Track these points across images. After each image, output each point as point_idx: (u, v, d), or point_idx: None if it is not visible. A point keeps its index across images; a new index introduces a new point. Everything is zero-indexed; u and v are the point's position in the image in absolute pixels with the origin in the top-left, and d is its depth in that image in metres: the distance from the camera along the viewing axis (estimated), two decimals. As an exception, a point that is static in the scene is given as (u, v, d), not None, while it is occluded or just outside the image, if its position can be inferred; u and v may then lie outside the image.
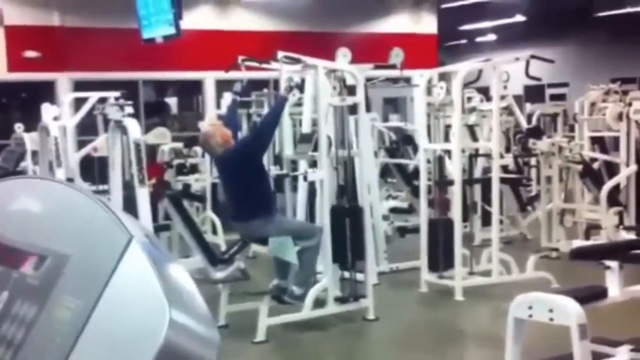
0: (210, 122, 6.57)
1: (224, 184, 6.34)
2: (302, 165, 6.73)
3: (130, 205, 6.38)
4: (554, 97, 19.40)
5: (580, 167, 8.49)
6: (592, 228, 7.82)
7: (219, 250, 7.43)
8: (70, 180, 8.26)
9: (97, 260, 1.38)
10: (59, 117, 9.14)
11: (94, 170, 8.65)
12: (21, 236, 1.45)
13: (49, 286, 1.38)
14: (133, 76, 12.65)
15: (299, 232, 5.97)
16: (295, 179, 6.59)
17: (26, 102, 12.39)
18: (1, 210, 1.50)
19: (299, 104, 7.71)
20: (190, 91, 14.09)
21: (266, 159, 8.88)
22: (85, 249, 1.40)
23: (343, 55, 7.51)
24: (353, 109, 6.56)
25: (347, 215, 6.19)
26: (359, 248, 6.17)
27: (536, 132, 8.78)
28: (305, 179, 6.33)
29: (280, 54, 6.57)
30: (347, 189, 6.45)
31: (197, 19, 12.80)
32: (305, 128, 6.92)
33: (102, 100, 8.39)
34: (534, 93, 18.30)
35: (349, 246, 6.14)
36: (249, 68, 7.72)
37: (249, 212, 5.86)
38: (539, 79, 7.50)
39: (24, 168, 8.60)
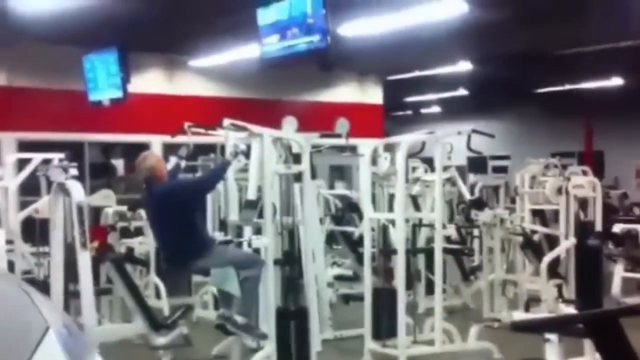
0: None
1: (158, 223, 6.22)
2: (247, 231, 6.73)
3: (71, 268, 6.28)
4: (496, 169, 19.80)
5: (521, 238, 8.65)
6: (533, 300, 7.93)
7: (161, 315, 7.34)
8: (10, 242, 8.11)
9: (14, 349, 1.33)
10: (1, 177, 9.03)
11: (35, 231, 8.51)
12: None
13: None
14: (79, 137, 12.58)
15: (240, 262, 5.97)
16: (240, 245, 6.57)
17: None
18: None
19: (244, 169, 7.75)
20: (137, 153, 14.01)
21: (211, 224, 8.87)
22: (3, 337, 1.34)
23: (289, 123, 7.59)
24: (298, 177, 6.62)
25: (293, 318, 6.20)
26: (304, 351, 6.17)
27: (478, 204, 8.93)
28: (249, 245, 6.33)
29: (226, 122, 6.63)
30: (292, 256, 6.47)
31: (145, 83, 12.86)
32: (251, 194, 6.93)
33: (46, 162, 8.33)
34: (477, 164, 18.66)
35: (294, 350, 6.14)
36: (195, 133, 7.76)
37: (188, 253, 5.84)
38: (479, 153, 7.68)
39: (-38, 229, 8.42)
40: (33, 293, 1.44)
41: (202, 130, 7.94)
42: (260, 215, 6.31)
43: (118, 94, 10.61)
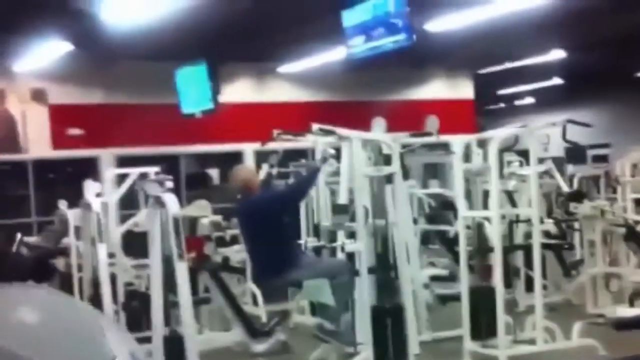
0: None
1: (250, 235, 6.34)
2: (340, 236, 6.71)
3: (170, 280, 6.40)
4: (596, 159, 19.19)
5: (623, 230, 8.35)
6: (638, 293, 7.64)
7: (259, 322, 7.41)
8: (111, 255, 8.34)
9: None
10: (102, 193, 9.29)
11: (135, 244, 8.71)
12: (15, 346, 1.40)
13: None
14: (174, 150, 12.87)
15: (330, 271, 5.98)
16: (333, 250, 6.56)
17: (70, 178, 12.61)
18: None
19: (336, 173, 7.74)
20: (231, 162, 14.23)
21: (304, 230, 8.90)
22: None
23: (378, 124, 7.56)
24: (389, 178, 6.57)
25: (389, 318, 6.15)
26: (401, 354, 6.12)
27: (577, 196, 8.67)
28: (342, 250, 6.31)
29: (315, 127, 6.63)
30: (386, 259, 6.42)
31: (235, 92, 13.05)
32: (342, 199, 6.92)
33: (143, 176, 8.52)
34: (575, 155, 18.14)
35: (391, 353, 6.10)
36: (285, 139, 7.81)
37: (278, 265, 5.91)
38: (576, 143, 7.46)
39: (67, 245, 8.71)
40: (102, 321, 1.45)
41: (291, 137, 7.99)
42: (353, 219, 6.28)
43: (209, 105, 10.83)
